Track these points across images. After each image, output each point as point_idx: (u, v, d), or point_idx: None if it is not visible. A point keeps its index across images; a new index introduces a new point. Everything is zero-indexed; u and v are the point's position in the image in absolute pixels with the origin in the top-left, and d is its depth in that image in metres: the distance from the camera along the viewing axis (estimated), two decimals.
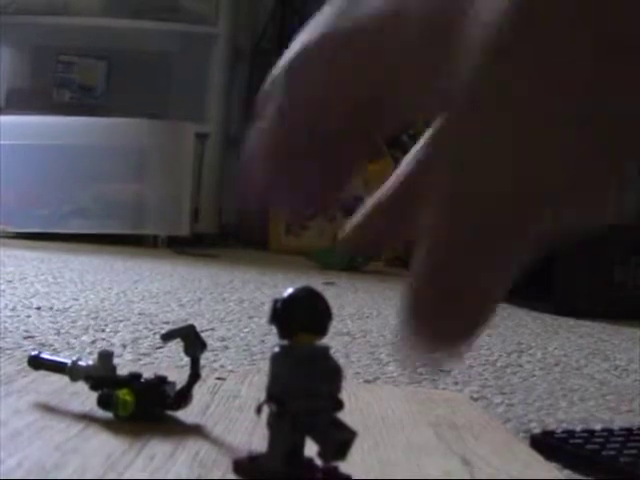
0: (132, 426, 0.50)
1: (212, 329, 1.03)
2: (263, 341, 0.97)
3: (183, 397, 0.53)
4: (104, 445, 0.46)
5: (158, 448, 0.46)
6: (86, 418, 0.51)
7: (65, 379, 0.61)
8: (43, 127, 2.62)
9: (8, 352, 0.77)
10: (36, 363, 0.58)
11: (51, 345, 0.84)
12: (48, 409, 0.53)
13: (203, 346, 0.54)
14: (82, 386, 0.57)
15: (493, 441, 0.55)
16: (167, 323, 1.05)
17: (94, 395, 0.54)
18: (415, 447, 0.51)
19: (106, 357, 0.54)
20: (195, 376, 0.53)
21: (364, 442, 0.52)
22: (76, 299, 1.21)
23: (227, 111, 2.94)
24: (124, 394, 0.51)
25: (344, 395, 0.66)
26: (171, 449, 0.47)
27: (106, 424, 0.51)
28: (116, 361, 0.55)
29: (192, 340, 0.54)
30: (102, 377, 0.53)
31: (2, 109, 2.92)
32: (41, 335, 0.89)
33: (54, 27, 2.91)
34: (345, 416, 0.58)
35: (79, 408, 0.53)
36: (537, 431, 0.63)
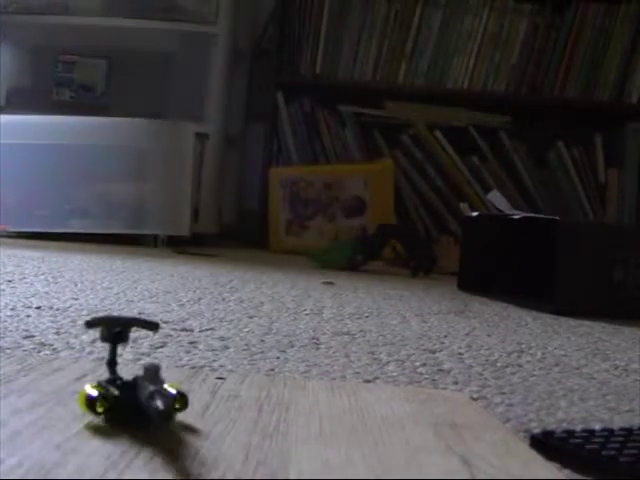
0: (131, 426, 0.50)
1: (212, 329, 1.03)
2: (263, 341, 0.97)
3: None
4: (104, 445, 0.46)
5: (158, 448, 0.46)
6: (86, 418, 0.51)
7: (65, 378, 0.61)
8: (43, 126, 2.62)
9: (8, 351, 0.77)
10: None
11: (51, 345, 0.84)
12: (48, 409, 0.53)
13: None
14: (81, 386, 0.57)
15: (493, 441, 0.55)
16: (167, 322, 1.05)
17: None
18: (415, 447, 0.51)
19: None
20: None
21: (364, 442, 0.52)
22: (76, 299, 1.21)
23: (227, 111, 2.94)
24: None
25: (344, 395, 0.66)
26: (171, 449, 0.47)
27: (105, 424, 0.51)
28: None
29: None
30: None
31: (2, 108, 2.92)
32: (41, 334, 0.89)
33: (54, 27, 2.91)
34: (345, 415, 0.58)
35: (78, 407, 0.53)
36: (537, 431, 0.63)
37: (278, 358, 0.87)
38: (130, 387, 0.51)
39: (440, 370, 0.88)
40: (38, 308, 1.09)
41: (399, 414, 0.60)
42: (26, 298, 1.17)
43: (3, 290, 1.24)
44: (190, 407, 0.55)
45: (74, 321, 1.00)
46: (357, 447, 0.51)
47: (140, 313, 1.12)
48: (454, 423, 0.59)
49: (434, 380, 0.83)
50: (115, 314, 1.09)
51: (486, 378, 0.86)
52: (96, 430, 0.49)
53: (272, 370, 0.80)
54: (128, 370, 0.66)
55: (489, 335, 1.20)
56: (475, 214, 1.99)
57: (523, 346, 1.11)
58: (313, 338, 1.02)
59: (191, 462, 0.45)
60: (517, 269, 1.84)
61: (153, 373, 0.51)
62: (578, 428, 0.61)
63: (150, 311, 1.14)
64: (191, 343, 0.92)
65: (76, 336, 0.90)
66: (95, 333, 0.93)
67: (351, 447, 0.50)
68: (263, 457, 0.46)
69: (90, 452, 0.44)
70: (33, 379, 0.61)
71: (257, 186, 3.11)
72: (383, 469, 0.46)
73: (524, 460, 0.51)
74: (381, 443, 0.52)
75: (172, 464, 0.44)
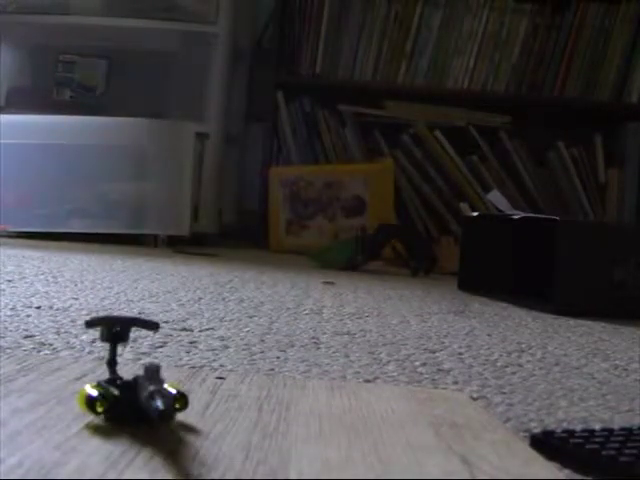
0: (131, 425, 0.50)
1: (212, 328, 1.03)
2: (263, 340, 0.97)
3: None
4: (104, 444, 0.46)
5: (158, 447, 0.46)
6: (86, 417, 0.51)
7: (65, 378, 0.61)
8: (43, 126, 2.62)
9: (8, 351, 0.77)
10: None
11: (51, 344, 0.84)
12: (48, 408, 0.53)
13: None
14: (81, 386, 0.57)
15: (493, 440, 0.55)
16: (167, 322, 1.05)
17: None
18: (415, 446, 0.51)
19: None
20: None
21: (364, 441, 0.52)
22: (76, 298, 1.21)
23: (227, 111, 2.94)
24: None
25: (344, 395, 0.66)
26: (171, 448, 0.47)
27: (105, 423, 0.51)
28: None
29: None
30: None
31: (2, 108, 2.92)
32: (41, 334, 0.89)
33: (55, 26, 2.91)
34: (345, 415, 0.59)
35: (78, 407, 0.53)
36: (537, 431, 0.63)
37: (278, 358, 0.87)
38: (130, 387, 0.51)
39: (440, 370, 0.88)
40: (38, 308, 1.09)
41: (399, 414, 0.60)
42: (26, 298, 1.17)
43: (3, 290, 1.24)
44: (190, 407, 0.55)
45: (74, 321, 1.00)
46: (357, 447, 0.51)
47: (140, 313, 1.12)
48: (454, 423, 0.59)
49: (434, 380, 0.83)
50: (115, 314, 1.09)
51: (486, 378, 0.86)
52: (96, 430, 0.49)
53: (272, 370, 0.80)
54: (128, 370, 0.66)
55: (489, 335, 1.20)
56: (475, 214, 1.99)
57: (523, 346, 1.11)
58: (313, 338, 1.02)
59: (191, 462, 0.45)
60: (517, 269, 1.84)
61: (153, 373, 0.51)
62: (578, 428, 0.61)
63: (150, 311, 1.14)
64: (191, 343, 0.92)
65: (76, 336, 0.90)
66: (95, 333, 0.93)
67: (351, 447, 0.50)
68: (263, 457, 0.46)
69: (90, 452, 0.44)
70: (33, 379, 0.61)
71: (257, 186, 3.11)
72: (383, 469, 0.46)
73: (524, 460, 0.51)
74: (381, 443, 0.52)
75: (172, 464, 0.44)
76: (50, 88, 3.03)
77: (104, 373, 0.63)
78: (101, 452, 0.44)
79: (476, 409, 0.66)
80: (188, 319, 1.10)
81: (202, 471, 0.43)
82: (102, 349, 0.84)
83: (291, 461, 0.46)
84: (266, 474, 0.43)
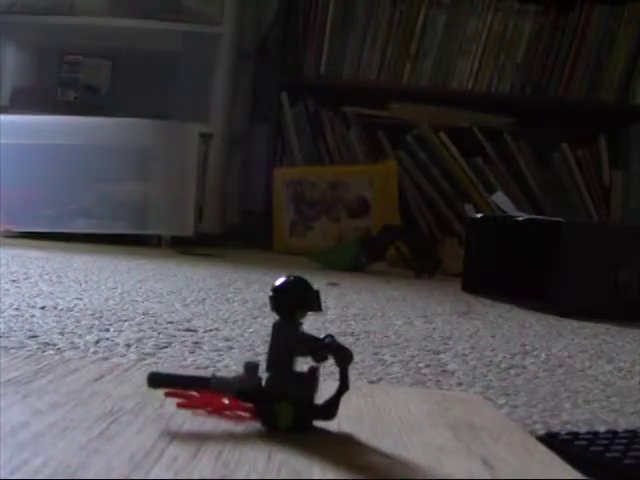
0: (153, 427, 0.51)
1: (216, 329, 1.04)
2: (267, 341, 0.97)
3: (333, 407, 0.54)
4: (127, 445, 0.46)
5: (181, 449, 0.47)
6: (107, 419, 0.51)
7: (84, 379, 0.61)
8: (47, 127, 2.62)
9: (12, 351, 0.77)
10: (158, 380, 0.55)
11: (55, 344, 0.84)
12: (69, 410, 0.53)
13: (350, 357, 0.54)
14: (100, 387, 0.57)
15: (511, 442, 0.55)
16: (171, 323, 1.05)
17: (113, 395, 0.55)
18: (435, 448, 0.51)
19: (252, 368, 0.55)
20: (344, 387, 0.54)
21: (384, 443, 0.52)
22: (80, 298, 1.21)
23: (231, 111, 2.94)
24: (285, 406, 0.52)
25: (360, 396, 0.66)
26: (194, 450, 0.47)
27: (127, 424, 0.51)
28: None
29: (340, 352, 0.54)
30: (256, 390, 0.54)
31: (7, 108, 2.92)
32: (45, 334, 0.89)
33: (59, 27, 2.91)
34: (363, 416, 0.59)
35: (99, 409, 0.53)
36: (541, 433, 0.62)
37: None
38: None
39: (444, 371, 0.88)
40: (42, 308, 1.09)
41: (417, 415, 0.60)
42: (30, 298, 1.17)
43: (7, 290, 1.24)
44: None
45: (78, 321, 1.00)
46: (378, 448, 0.51)
47: (144, 313, 1.12)
48: (472, 424, 0.59)
49: (438, 381, 0.83)
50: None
51: (490, 379, 0.86)
52: (118, 431, 0.49)
53: None
54: (134, 370, 0.66)
55: (493, 336, 1.19)
56: (479, 215, 1.99)
57: (527, 347, 1.11)
58: None
59: (215, 463, 0.45)
60: (521, 271, 1.84)
61: (253, 371, 0.53)
62: (582, 430, 0.61)
63: (154, 311, 1.14)
64: (195, 343, 0.92)
65: (80, 336, 0.90)
66: (99, 333, 0.93)
67: (372, 448, 0.50)
68: (286, 458, 0.47)
69: (114, 453, 0.44)
70: (51, 380, 0.61)
71: (261, 186, 3.11)
72: (405, 470, 0.47)
73: (544, 461, 0.51)
74: (401, 444, 0.52)
75: (196, 465, 0.44)
76: (54, 88, 3.03)
77: (121, 375, 0.63)
78: (125, 453, 0.45)
79: (492, 411, 0.66)
80: (192, 319, 1.10)
81: (226, 472, 0.43)
82: (106, 350, 0.84)
83: (313, 462, 0.46)
84: (290, 474, 0.44)
